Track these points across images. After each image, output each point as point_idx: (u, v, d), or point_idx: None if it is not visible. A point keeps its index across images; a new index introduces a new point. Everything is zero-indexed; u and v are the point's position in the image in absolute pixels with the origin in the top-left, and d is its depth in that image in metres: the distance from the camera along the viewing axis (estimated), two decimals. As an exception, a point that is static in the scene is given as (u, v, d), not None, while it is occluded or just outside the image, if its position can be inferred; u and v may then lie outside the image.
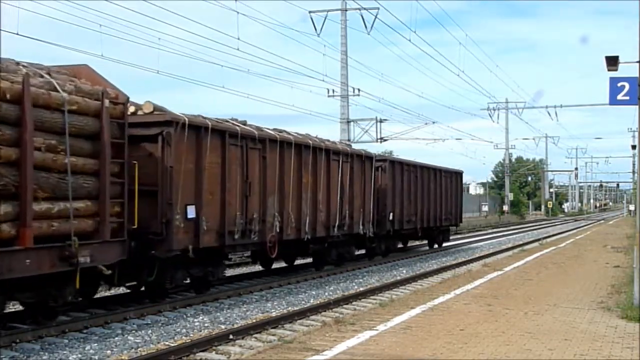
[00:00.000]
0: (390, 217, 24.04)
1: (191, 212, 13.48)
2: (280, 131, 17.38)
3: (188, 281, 14.85)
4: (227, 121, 15.26)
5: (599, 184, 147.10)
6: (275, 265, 20.13)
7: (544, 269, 19.77)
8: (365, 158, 21.85)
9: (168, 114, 13.21)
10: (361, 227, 21.31)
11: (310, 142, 18.35)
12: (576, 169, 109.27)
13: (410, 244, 31.36)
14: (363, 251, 24.30)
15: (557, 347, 9.00)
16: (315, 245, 19.13)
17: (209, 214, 14.07)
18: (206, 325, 12.27)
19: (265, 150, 16.03)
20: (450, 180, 31.31)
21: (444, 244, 32.23)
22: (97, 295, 14.30)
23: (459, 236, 44.26)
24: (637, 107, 13.75)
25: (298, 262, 21.53)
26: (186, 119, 13.40)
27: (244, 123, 15.87)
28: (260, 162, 15.91)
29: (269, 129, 16.90)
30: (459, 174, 33.36)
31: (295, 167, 17.32)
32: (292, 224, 17.19)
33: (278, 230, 16.55)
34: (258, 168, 15.84)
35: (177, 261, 13.66)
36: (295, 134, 18.18)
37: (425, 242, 31.68)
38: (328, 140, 20.21)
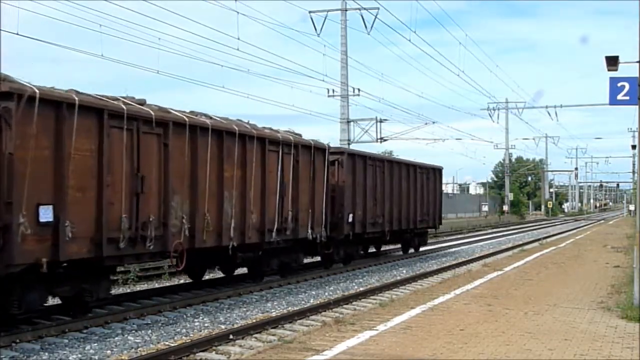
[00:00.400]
0: (350, 219, 20.72)
1: (46, 213, 10.35)
2: (196, 114, 14.32)
3: (59, 302, 12.32)
4: (117, 99, 12.10)
5: (599, 184, 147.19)
6: (209, 276, 17.99)
7: (544, 269, 19.77)
8: (315, 150, 18.36)
9: (6, 83, 9.99)
10: (310, 231, 18.01)
11: (236, 128, 15.00)
12: (576, 169, 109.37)
13: (386, 248, 28.08)
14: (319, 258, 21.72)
15: (557, 347, 9.00)
16: (245, 254, 15.93)
17: (77, 216, 10.89)
18: (206, 325, 12.28)
19: (167, 137, 12.77)
20: (427, 177, 27.80)
21: (422, 248, 29.06)
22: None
23: (459, 236, 44.25)
24: (637, 107, 13.75)
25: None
26: (36, 91, 10.21)
27: (142, 103, 12.72)
28: (160, 151, 12.66)
29: (184, 112, 13.87)
30: (437, 170, 29.59)
31: (215, 159, 14.22)
32: (209, 229, 13.98)
33: (187, 235, 13.36)
34: (157, 158, 12.62)
35: (29, 279, 10.53)
36: (219, 119, 15.00)
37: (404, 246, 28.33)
38: (269, 128, 17.03)
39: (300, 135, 18.30)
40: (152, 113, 12.52)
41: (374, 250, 26.71)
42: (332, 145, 24.27)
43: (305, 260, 20.92)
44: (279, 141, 16.71)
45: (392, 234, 24.70)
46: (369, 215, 22.19)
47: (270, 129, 17.13)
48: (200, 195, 13.81)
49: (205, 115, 14.67)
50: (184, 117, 13.50)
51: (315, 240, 18.54)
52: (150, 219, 12.39)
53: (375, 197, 22.72)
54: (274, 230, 16.38)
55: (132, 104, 12.28)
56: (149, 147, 12.43)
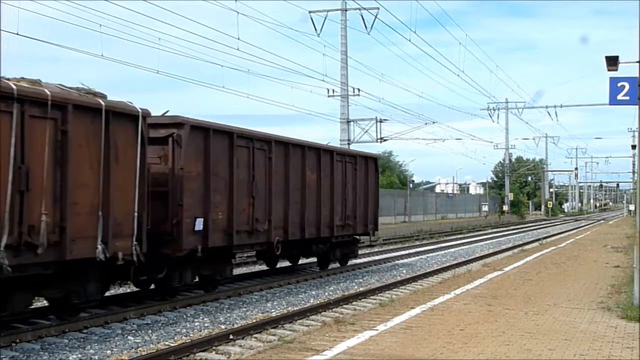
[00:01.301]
0: (198, 226, 13.79)
1: None
2: None
3: None
4: None
5: (599, 184, 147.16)
6: None
7: (544, 269, 19.76)
8: (113, 116, 11.48)
9: None
10: (100, 246, 11.09)
11: None
12: (576, 169, 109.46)
13: (305, 261, 21.22)
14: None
15: (557, 347, 9.01)
16: None
17: None
18: (206, 325, 12.29)
19: None
20: (354, 168, 21.01)
21: (352, 262, 22.43)
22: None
23: (459, 236, 44.26)
24: (637, 107, 13.76)
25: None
26: None
27: None
28: None
29: None
30: (370, 160, 22.55)
31: None
32: None
33: None
34: None
35: None
36: None
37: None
38: (37, 81, 10.51)
39: (104, 96, 11.67)
40: None
41: (289, 264, 20.65)
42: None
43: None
44: (12, 95, 9.76)
45: (290, 246, 18.01)
46: (239, 220, 15.13)
47: (39, 82, 10.59)
48: None
49: None
50: None
51: (114, 259, 11.51)
52: None
53: (252, 194, 15.56)
54: (1, 247, 9.55)
55: None
56: None
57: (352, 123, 43.71)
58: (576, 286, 15.75)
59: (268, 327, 11.75)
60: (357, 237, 22.48)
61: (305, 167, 18.01)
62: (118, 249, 11.58)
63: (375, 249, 29.35)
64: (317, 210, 18.70)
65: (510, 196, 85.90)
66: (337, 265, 21.55)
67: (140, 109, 12.15)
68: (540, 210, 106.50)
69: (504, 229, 57.11)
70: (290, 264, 20.70)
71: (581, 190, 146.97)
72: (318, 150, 18.93)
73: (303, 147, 18.10)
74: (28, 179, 10.05)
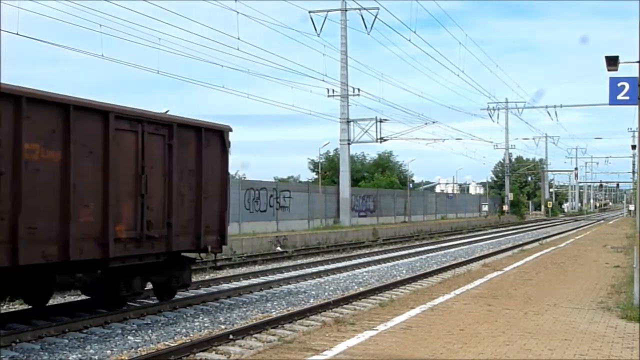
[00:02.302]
0: None
1: None
2: None
3: None
4: None
5: (599, 184, 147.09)
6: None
7: (544, 269, 19.76)
8: None
9: None
10: None
11: None
12: (576, 169, 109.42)
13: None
14: None
15: (557, 347, 9.01)
16: None
17: None
18: (206, 325, 12.29)
19: None
20: (167, 143, 12.87)
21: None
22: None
23: (459, 236, 44.24)
24: (637, 107, 13.76)
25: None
26: None
27: None
28: None
29: None
30: (208, 132, 14.02)
31: None
32: None
33: None
34: None
35: None
36: None
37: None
38: None
39: None
40: None
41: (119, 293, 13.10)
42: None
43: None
44: None
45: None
46: None
47: None
48: None
49: None
50: None
51: None
52: None
53: None
54: None
55: None
56: None
57: (352, 123, 43.75)
58: (576, 286, 15.75)
59: (268, 327, 11.75)
60: (188, 255, 14.37)
61: (22, 135, 10.03)
62: None
63: (375, 249, 29.31)
64: (63, 214, 10.73)
65: (510, 196, 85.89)
66: (150, 301, 14.04)
67: None
68: (540, 210, 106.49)
69: (504, 229, 57.13)
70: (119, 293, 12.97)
71: (581, 190, 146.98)
72: (66, 107, 10.76)
73: (18, 99, 10.00)
74: None
